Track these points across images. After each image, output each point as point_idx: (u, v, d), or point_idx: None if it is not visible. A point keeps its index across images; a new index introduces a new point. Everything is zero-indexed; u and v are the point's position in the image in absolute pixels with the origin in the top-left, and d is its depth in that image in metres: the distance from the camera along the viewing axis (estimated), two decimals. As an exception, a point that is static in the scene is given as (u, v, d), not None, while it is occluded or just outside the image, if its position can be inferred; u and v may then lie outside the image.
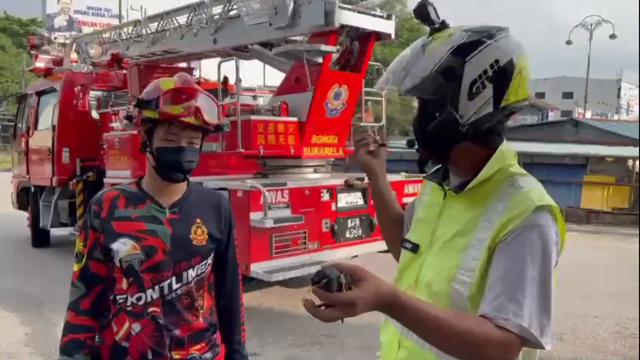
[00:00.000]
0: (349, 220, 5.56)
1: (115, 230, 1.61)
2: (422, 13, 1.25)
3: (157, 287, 1.62)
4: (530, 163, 12.68)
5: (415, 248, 1.32)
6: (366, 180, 5.71)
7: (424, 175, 1.40)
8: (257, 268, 4.79)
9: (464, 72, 1.17)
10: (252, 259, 4.79)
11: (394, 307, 1.03)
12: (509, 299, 1.10)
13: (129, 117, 1.70)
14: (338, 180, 5.59)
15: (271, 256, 4.90)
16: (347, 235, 5.49)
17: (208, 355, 1.73)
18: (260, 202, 4.79)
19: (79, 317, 1.64)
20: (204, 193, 1.79)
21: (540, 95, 48.06)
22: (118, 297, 1.64)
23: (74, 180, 7.50)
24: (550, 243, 1.14)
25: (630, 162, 12.28)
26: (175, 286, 1.64)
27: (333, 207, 5.46)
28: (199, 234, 1.69)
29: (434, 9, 1.25)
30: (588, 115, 31.92)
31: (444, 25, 1.24)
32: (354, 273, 1.01)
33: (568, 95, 47.23)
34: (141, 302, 1.62)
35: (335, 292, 0.99)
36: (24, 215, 9.06)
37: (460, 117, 1.19)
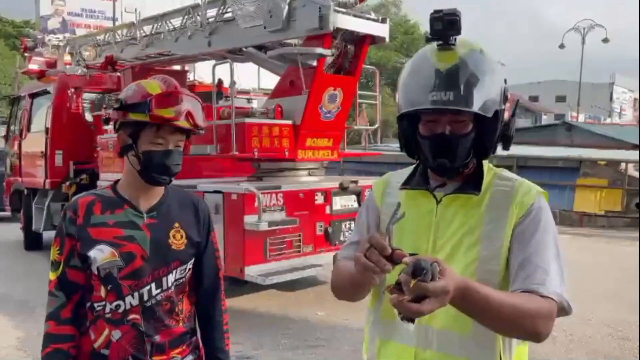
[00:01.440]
0: (344, 224, 5.56)
1: (92, 237, 1.58)
2: (459, 25, 1.24)
3: (136, 294, 1.59)
4: (523, 166, 12.71)
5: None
6: (361, 183, 5.66)
7: (405, 185, 1.39)
8: (252, 271, 4.78)
9: (506, 86, 1.29)
10: (246, 262, 4.79)
11: (468, 294, 1.09)
12: (542, 272, 1.20)
13: (107, 120, 1.68)
14: (333, 183, 5.60)
15: (266, 259, 4.89)
16: (342, 238, 5.49)
17: (189, 357, 1.72)
18: (255, 205, 4.78)
19: (61, 326, 1.60)
20: (181, 196, 1.76)
21: (534, 98, 48.29)
22: (96, 304, 1.61)
23: (67, 183, 7.46)
24: (553, 220, 1.29)
25: (622, 166, 12.35)
26: (154, 292, 1.62)
27: (327, 210, 5.47)
28: (177, 239, 1.67)
29: (460, 18, 1.25)
30: (581, 118, 32.09)
31: (456, 39, 1.26)
32: (439, 263, 1.04)
33: (561, 98, 47.46)
34: (120, 310, 1.59)
35: (431, 282, 1.00)
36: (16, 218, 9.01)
37: (513, 118, 1.33)
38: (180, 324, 1.69)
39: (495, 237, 1.25)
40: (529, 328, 1.16)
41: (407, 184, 1.38)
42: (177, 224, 1.68)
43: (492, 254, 1.25)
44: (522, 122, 37.45)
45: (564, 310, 1.22)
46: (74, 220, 1.60)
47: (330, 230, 5.42)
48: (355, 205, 5.70)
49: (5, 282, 6.69)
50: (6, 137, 9.37)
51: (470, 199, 1.29)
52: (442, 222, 1.31)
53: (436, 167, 1.31)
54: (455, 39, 1.25)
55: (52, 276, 1.63)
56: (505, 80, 1.29)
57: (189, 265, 1.70)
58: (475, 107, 1.21)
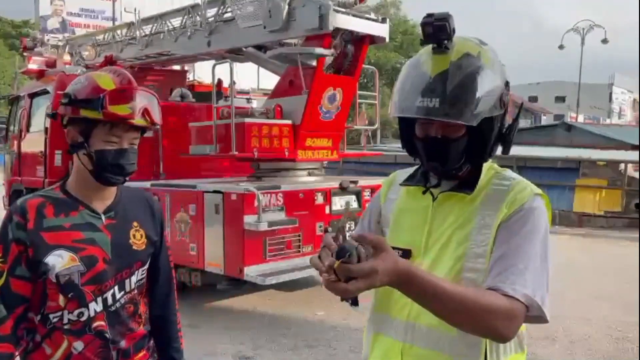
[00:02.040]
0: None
1: (47, 242, 1.46)
2: (448, 29, 1.20)
3: (99, 299, 1.50)
4: (523, 166, 12.70)
5: (406, 254, 1.30)
6: (360, 183, 5.68)
7: (406, 182, 1.41)
8: (251, 271, 4.78)
9: (508, 87, 1.27)
10: (245, 262, 4.78)
11: (410, 279, 1.06)
12: (515, 272, 1.16)
13: (53, 115, 1.57)
14: (332, 183, 5.59)
15: (265, 259, 4.89)
16: (341, 238, 5.48)
17: None
18: (255, 205, 4.78)
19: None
20: (134, 194, 1.69)
21: (533, 99, 48.30)
22: (51, 315, 1.49)
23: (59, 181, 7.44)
24: (547, 225, 1.25)
25: (622, 166, 12.36)
26: (118, 295, 1.54)
27: (327, 210, 5.46)
28: (138, 238, 1.61)
29: (454, 25, 1.22)
30: (580, 119, 32.12)
31: (451, 42, 1.23)
32: (376, 244, 1.04)
33: (560, 99, 47.51)
34: (83, 318, 1.49)
35: (356, 264, 1.01)
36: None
37: (515, 122, 1.31)
38: (141, 326, 1.64)
39: (484, 235, 1.24)
40: (483, 324, 1.12)
41: (408, 181, 1.40)
42: (135, 223, 1.61)
43: (479, 252, 1.24)
44: (521, 122, 37.47)
45: (539, 317, 1.19)
46: (22, 224, 1.46)
47: (329, 230, 5.41)
48: (355, 205, 5.70)
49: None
50: (5, 137, 9.35)
51: (465, 197, 1.29)
52: (436, 219, 1.31)
53: (429, 169, 1.33)
54: (449, 42, 1.22)
55: None
56: (507, 83, 1.26)
57: (148, 264, 1.65)
58: (460, 116, 1.18)
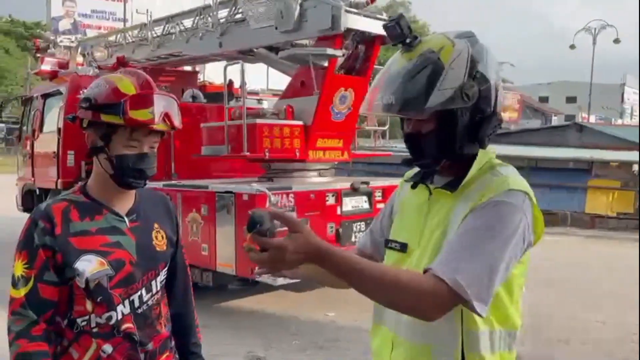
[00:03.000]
0: (354, 224, 5.55)
1: (75, 247, 1.46)
2: (401, 27, 1.27)
3: (127, 302, 1.51)
4: (534, 167, 12.63)
5: (404, 247, 1.35)
6: (372, 184, 5.71)
7: (407, 180, 1.46)
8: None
9: (488, 74, 1.27)
10: (257, 262, 4.78)
11: (323, 256, 1.13)
12: (455, 257, 1.16)
13: (73, 119, 1.55)
14: (343, 184, 5.59)
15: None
16: (352, 239, 5.48)
17: None
18: (266, 205, 4.78)
19: (34, 342, 1.43)
20: (150, 195, 1.70)
21: (544, 99, 48.04)
22: (79, 319, 1.48)
23: (79, 184, 7.49)
24: (513, 219, 1.19)
25: (635, 167, 12.24)
26: (145, 297, 1.55)
27: (338, 211, 5.45)
28: (159, 240, 1.61)
29: (409, 24, 1.29)
30: (592, 119, 31.86)
31: (417, 39, 1.28)
32: (290, 224, 1.12)
33: (571, 99, 47.18)
34: (112, 322, 1.49)
35: (266, 238, 1.11)
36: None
37: (492, 115, 1.29)
38: (165, 328, 1.64)
39: (453, 228, 1.25)
40: (403, 301, 1.16)
41: (411, 177, 1.44)
42: (156, 225, 1.62)
43: None
44: (532, 123, 37.23)
45: (464, 302, 1.15)
46: (49, 230, 1.45)
47: (340, 231, 5.40)
48: (366, 205, 5.69)
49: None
50: (19, 138, 9.44)
51: (462, 192, 1.29)
52: (430, 214, 1.33)
53: (415, 164, 1.38)
54: (413, 41, 1.27)
55: (17, 294, 1.45)
56: (476, 75, 1.24)
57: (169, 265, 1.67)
58: (411, 110, 1.24)
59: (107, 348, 1.50)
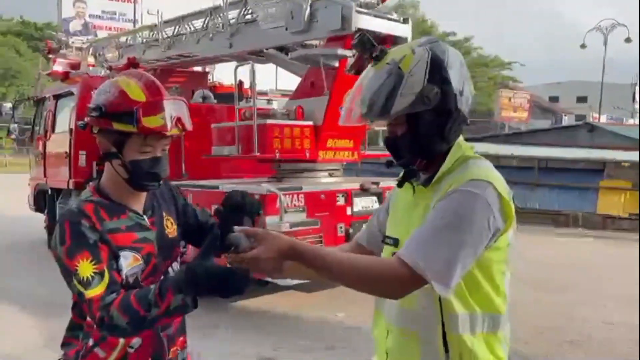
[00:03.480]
0: (364, 225, 5.55)
1: (113, 244, 1.50)
2: (365, 43, 1.42)
3: None
4: (544, 168, 12.54)
5: (396, 242, 1.47)
6: (382, 184, 5.75)
7: (403, 183, 1.55)
8: (273, 272, 4.79)
9: (449, 76, 1.36)
10: (267, 262, 4.80)
11: (295, 255, 1.30)
12: (417, 242, 1.29)
13: (84, 126, 1.57)
14: (353, 185, 5.59)
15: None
16: (362, 239, 5.48)
17: (186, 349, 1.74)
18: (277, 206, 4.80)
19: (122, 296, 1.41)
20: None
21: (554, 99, 47.72)
22: None
23: (91, 184, 7.54)
24: (474, 206, 1.29)
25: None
26: None
27: (348, 212, 5.46)
28: (170, 227, 1.68)
29: (371, 38, 1.43)
30: (603, 119, 31.61)
31: (383, 52, 1.40)
32: (257, 236, 1.30)
33: (582, 99, 46.83)
34: None
35: (239, 254, 1.28)
36: (41, 217, 9.16)
37: (454, 113, 1.39)
38: None
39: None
40: (369, 284, 1.31)
41: (398, 182, 1.55)
42: (164, 213, 1.69)
43: None
44: (542, 123, 36.97)
45: (425, 282, 1.27)
46: (92, 226, 1.48)
47: (351, 231, 5.40)
48: (376, 206, 5.68)
49: (30, 281, 6.80)
50: (31, 138, 9.52)
51: (439, 187, 1.39)
52: (414, 210, 1.45)
53: (394, 163, 1.52)
54: (381, 54, 1.39)
55: (95, 292, 1.41)
56: (436, 79, 1.34)
57: (181, 248, 1.73)
58: (377, 116, 1.38)
59: (136, 342, 1.54)
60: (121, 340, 1.52)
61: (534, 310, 5.70)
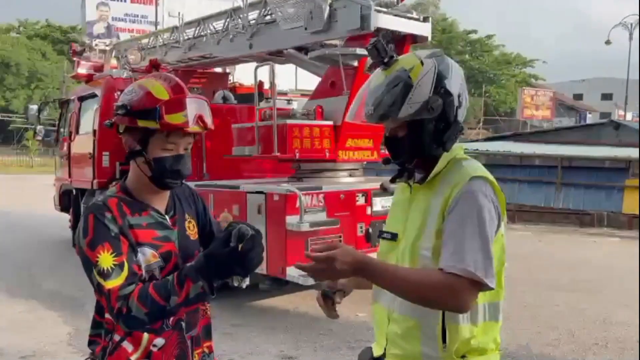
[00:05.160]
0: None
1: (133, 239, 1.54)
2: (380, 51, 1.48)
3: None
4: (568, 167, 12.34)
5: (394, 237, 1.59)
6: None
7: (396, 179, 1.66)
8: (293, 272, 4.81)
9: (451, 89, 1.47)
10: (287, 262, 4.82)
11: (367, 266, 1.40)
12: (455, 251, 1.38)
13: (110, 125, 1.62)
14: (373, 184, 5.57)
15: (307, 260, 4.90)
16: (383, 239, 5.46)
17: (213, 353, 1.75)
18: (297, 205, 4.81)
19: (140, 288, 1.45)
20: (179, 190, 1.76)
21: (578, 96, 46.90)
22: None
23: (114, 184, 7.66)
24: (484, 203, 1.42)
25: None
26: None
27: (368, 211, 5.44)
28: (191, 229, 1.70)
29: (386, 45, 1.50)
30: (628, 117, 30.94)
31: (394, 58, 1.50)
32: (333, 246, 1.40)
33: (607, 96, 45.90)
34: None
35: (316, 253, 1.38)
36: (66, 217, 9.33)
37: (453, 123, 1.50)
38: (206, 313, 1.72)
39: (432, 218, 1.47)
40: (432, 300, 1.39)
41: (392, 177, 1.66)
42: (187, 215, 1.71)
43: (429, 233, 1.47)
44: (565, 121, 36.36)
45: (479, 284, 1.37)
46: (114, 219, 1.52)
47: (370, 231, 5.39)
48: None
49: (55, 279, 6.95)
50: (56, 139, 9.71)
51: (429, 187, 1.51)
52: (411, 207, 1.56)
53: (391, 161, 1.61)
54: (390, 60, 1.48)
55: (114, 283, 1.44)
56: (441, 91, 1.45)
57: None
58: (385, 120, 1.49)
59: (159, 342, 1.56)
60: (145, 337, 1.54)
61: (562, 313, 5.62)
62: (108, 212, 1.52)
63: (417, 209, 1.53)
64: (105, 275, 1.45)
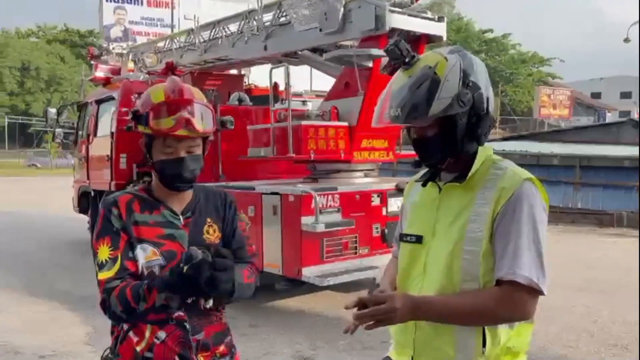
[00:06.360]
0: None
1: (134, 235, 1.59)
2: (402, 51, 1.45)
3: None
4: (586, 166, 12.18)
5: (419, 239, 1.53)
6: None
7: (416, 180, 1.65)
8: (309, 272, 4.82)
9: (479, 82, 1.45)
10: (303, 263, 4.83)
11: (423, 306, 1.38)
12: (513, 259, 1.36)
13: (129, 128, 1.66)
14: (388, 185, 5.55)
15: (322, 260, 4.92)
16: (398, 240, 5.44)
17: (227, 359, 1.71)
18: (312, 206, 4.82)
19: (121, 288, 1.53)
20: (209, 194, 1.77)
21: (596, 95, 46.30)
22: None
23: (131, 186, 7.76)
24: (536, 208, 1.41)
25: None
26: None
27: (384, 212, 5.43)
28: (211, 233, 1.69)
29: (407, 46, 1.47)
30: (649, 115, 30.38)
31: (415, 58, 1.47)
32: (384, 293, 1.41)
33: (626, 95, 45.21)
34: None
35: (373, 307, 1.34)
36: (84, 218, 9.46)
37: (485, 116, 1.47)
38: (223, 319, 1.72)
39: (480, 221, 1.42)
40: (494, 317, 1.39)
41: (420, 177, 1.63)
42: (209, 219, 1.70)
43: (474, 237, 1.42)
44: (584, 120, 35.88)
45: (535, 292, 1.38)
46: (118, 216, 1.60)
47: (386, 231, 5.38)
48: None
49: (72, 279, 7.04)
50: (75, 142, 9.85)
51: (466, 187, 1.47)
52: (441, 208, 1.51)
53: (422, 164, 1.58)
54: (411, 60, 1.45)
55: (105, 275, 1.55)
56: (469, 84, 1.42)
57: None
58: (415, 119, 1.43)
59: (161, 335, 1.60)
60: (148, 329, 1.60)
61: (580, 314, 5.55)
62: (115, 209, 1.61)
63: (451, 210, 1.48)
64: (100, 266, 1.57)
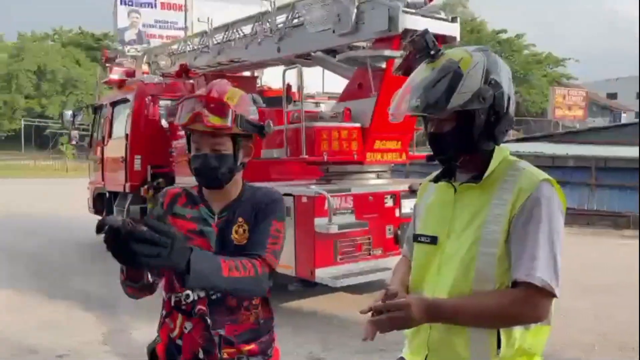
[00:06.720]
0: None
1: (170, 225, 1.64)
2: (428, 42, 1.46)
3: None
4: (602, 167, 12.05)
5: (434, 240, 1.52)
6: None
7: (431, 180, 1.63)
8: (322, 273, 4.82)
9: (501, 81, 1.44)
10: (316, 264, 4.83)
11: (440, 309, 1.36)
12: (530, 261, 1.35)
13: (170, 122, 1.78)
14: (402, 186, 5.55)
15: (336, 262, 4.92)
16: (411, 241, 5.43)
17: (258, 358, 1.70)
18: (325, 207, 4.82)
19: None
20: (257, 194, 1.74)
21: (612, 96, 45.72)
22: (173, 296, 1.68)
23: (145, 187, 7.82)
24: (554, 209, 1.40)
25: None
26: None
27: (397, 213, 5.43)
28: (240, 234, 1.67)
29: (433, 39, 1.48)
30: (666, 116, 29.95)
31: (440, 52, 1.47)
32: (394, 303, 1.35)
33: (643, 95, 44.54)
34: (189, 300, 1.65)
35: (392, 301, 1.34)
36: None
37: (505, 115, 1.46)
38: (252, 318, 1.70)
39: (497, 222, 1.41)
40: (511, 318, 1.38)
41: (435, 177, 1.60)
42: (240, 219, 1.68)
43: (491, 239, 1.41)
44: (599, 121, 35.47)
45: (550, 294, 1.37)
46: (161, 205, 1.74)
47: (399, 233, 5.37)
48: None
49: (87, 280, 7.10)
50: (90, 144, 9.95)
51: (483, 188, 1.46)
52: (457, 209, 1.50)
53: (436, 158, 1.56)
54: (436, 53, 1.46)
55: None
56: (491, 82, 1.42)
57: None
58: (433, 111, 1.43)
59: (188, 325, 1.66)
60: (179, 318, 1.67)
61: (595, 316, 5.49)
62: (162, 198, 1.75)
63: (467, 211, 1.47)
64: None
